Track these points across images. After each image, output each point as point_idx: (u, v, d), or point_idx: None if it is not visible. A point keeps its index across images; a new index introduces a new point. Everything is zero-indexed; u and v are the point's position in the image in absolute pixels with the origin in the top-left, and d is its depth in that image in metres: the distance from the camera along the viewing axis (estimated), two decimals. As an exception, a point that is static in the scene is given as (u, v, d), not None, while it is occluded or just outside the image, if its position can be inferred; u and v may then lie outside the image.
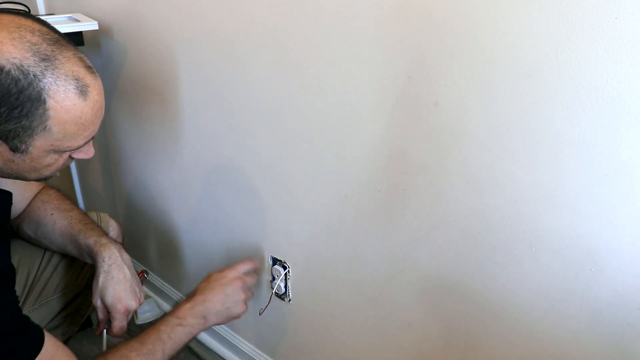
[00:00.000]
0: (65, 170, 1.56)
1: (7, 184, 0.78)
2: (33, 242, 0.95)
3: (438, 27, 0.64)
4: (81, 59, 0.64)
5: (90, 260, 0.90)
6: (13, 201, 0.79)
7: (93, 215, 0.99)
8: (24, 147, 0.62)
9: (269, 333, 1.18)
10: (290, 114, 0.87)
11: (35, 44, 0.59)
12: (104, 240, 0.89)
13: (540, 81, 0.58)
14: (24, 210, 0.94)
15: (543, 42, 0.56)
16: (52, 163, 0.68)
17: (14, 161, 0.65)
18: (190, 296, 0.90)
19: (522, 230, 0.67)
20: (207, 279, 0.93)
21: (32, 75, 0.58)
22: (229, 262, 1.16)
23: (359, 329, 0.97)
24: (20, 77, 0.57)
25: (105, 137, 1.39)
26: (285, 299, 1.05)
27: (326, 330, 1.03)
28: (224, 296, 0.91)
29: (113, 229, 1.02)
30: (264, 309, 1.07)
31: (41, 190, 0.96)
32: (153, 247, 1.43)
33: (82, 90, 0.62)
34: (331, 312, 1.00)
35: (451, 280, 0.78)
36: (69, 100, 0.61)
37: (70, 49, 0.63)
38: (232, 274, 0.94)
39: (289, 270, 1.01)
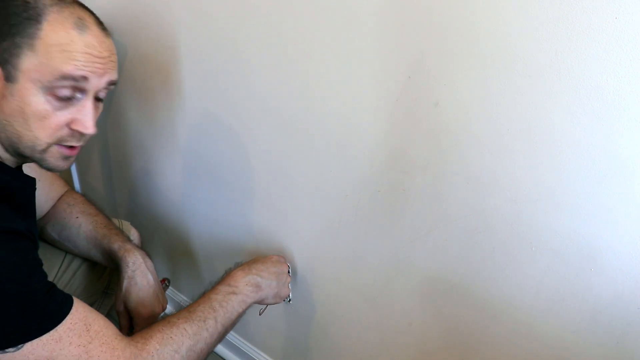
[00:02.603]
0: (65, 170, 1.56)
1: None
2: (57, 245, 0.95)
3: (438, 27, 0.64)
4: (97, 18, 0.68)
5: (114, 266, 0.89)
6: (38, 200, 0.79)
7: (115, 222, 0.99)
8: (14, 72, 0.63)
9: (269, 333, 1.18)
10: (290, 114, 0.86)
11: None
12: (128, 246, 0.89)
13: (540, 81, 0.58)
14: (49, 211, 0.93)
15: (543, 42, 0.56)
16: (43, 116, 0.65)
17: (5, 97, 0.64)
18: (241, 266, 0.87)
19: (522, 230, 0.67)
20: (252, 259, 0.91)
21: (41, 2, 0.63)
22: (229, 262, 1.17)
23: (359, 329, 0.97)
24: (31, 0, 0.63)
25: (106, 136, 1.39)
26: (285, 299, 1.05)
27: (326, 330, 1.03)
28: (277, 271, 0.90)
29: (135, 237, 1.02)
30: (264, 309, 1.07)
31: (67, 193, 0.96)
32: (153, 247, 1.43)
33: (81, 25, 0.65)
34: (331, 312, 1.00)
35: (451, 280, 0.78)
36: (62, 27, 0.64)
37: (91, 13, 0.68)
38: (277, 257, 0.95)
39: (289, 270, 1.01)
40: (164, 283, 1.00)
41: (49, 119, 0.66)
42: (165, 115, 1.14)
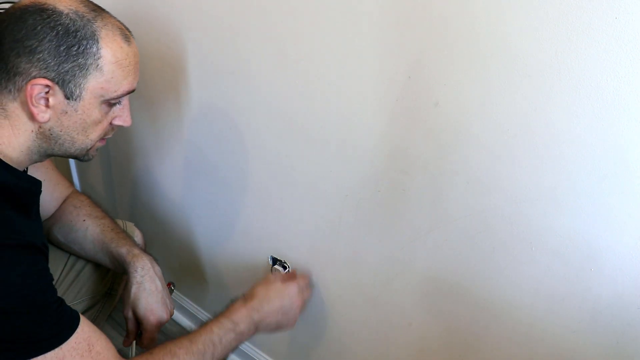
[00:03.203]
0: (65, 170, 1.56)
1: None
2: (63, 248, 0.95)
3: (438, 27, 0.64)
4: (121, 22, 0.71)
5: (121, 270, 0.89)
6: (43, 200, 0.80)
7: (119, 223, 0.98)
8: (78, 91, 0.66)
9: (269, 333, 1.18)
10: (290, 114, 0.87)
11: (83, 2, 0.68)
12: (136, 250, 0.89)
13: (540, 81, 0.58)
14: (55, 213, 0.93)
15: (543, 42, 0.56)
16: (99, 121, 0.71)
17: (66, 113, 0.67)
18: (246, 298, 0.86)
19: (522, 230, 0.67)
20: (266, 284, 0.90)
21: (86, 19, 0.66)
22: (229, 263, 1.17)
23: (359, 329, 0.97)
24: (77, 18, 0.65)
25: (106, 137, 1.39)
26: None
27: (326, 330, 1.03)
28: (281, 309, 0.89)
29: (138, 239, 1.02)
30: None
31: (72, 194, 0.96)
32: (154, 248, 1.43)
33: (126, 37, 0.70)
34: (331, 312, 1.00)
35: (451, 280, 0.78)
36: (116, 43, 0.68)
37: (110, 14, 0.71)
38: (294, 289, 0.91)
39: (289, 270, 1.01)
40: (170, 287, 0.99)
41: (102, 123, 0.72)
42: (167, 115, 1.14)
